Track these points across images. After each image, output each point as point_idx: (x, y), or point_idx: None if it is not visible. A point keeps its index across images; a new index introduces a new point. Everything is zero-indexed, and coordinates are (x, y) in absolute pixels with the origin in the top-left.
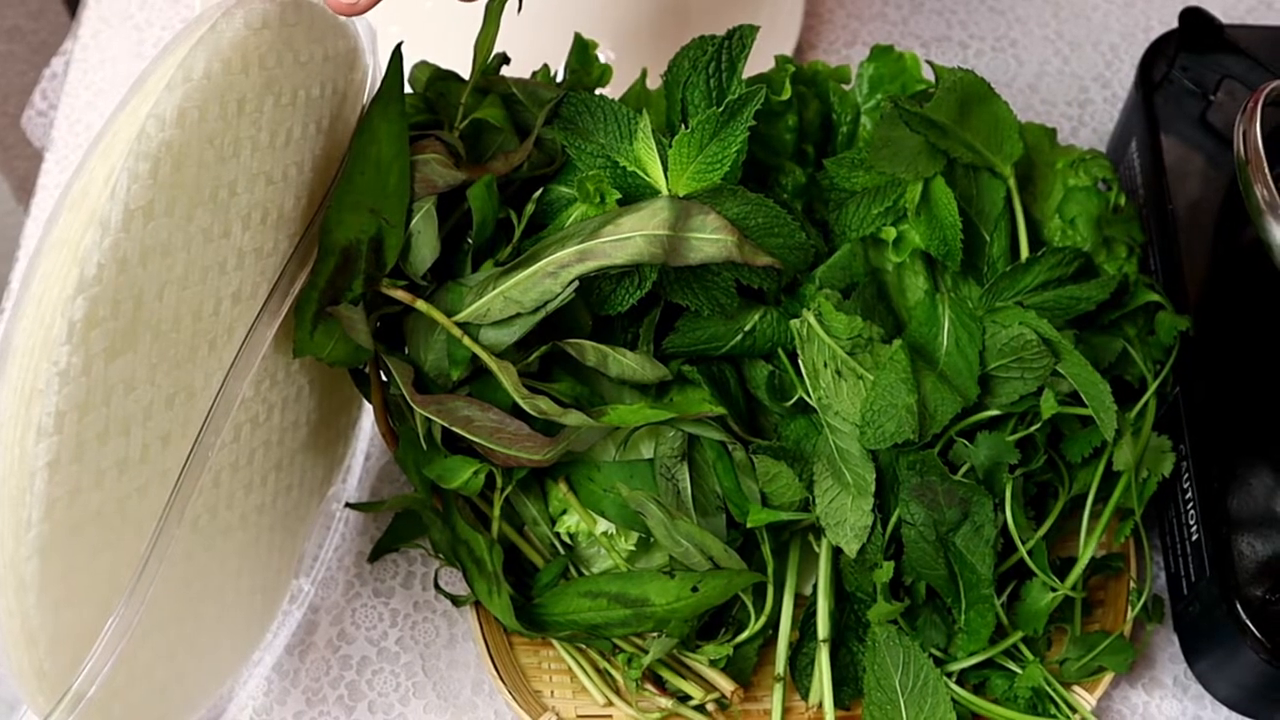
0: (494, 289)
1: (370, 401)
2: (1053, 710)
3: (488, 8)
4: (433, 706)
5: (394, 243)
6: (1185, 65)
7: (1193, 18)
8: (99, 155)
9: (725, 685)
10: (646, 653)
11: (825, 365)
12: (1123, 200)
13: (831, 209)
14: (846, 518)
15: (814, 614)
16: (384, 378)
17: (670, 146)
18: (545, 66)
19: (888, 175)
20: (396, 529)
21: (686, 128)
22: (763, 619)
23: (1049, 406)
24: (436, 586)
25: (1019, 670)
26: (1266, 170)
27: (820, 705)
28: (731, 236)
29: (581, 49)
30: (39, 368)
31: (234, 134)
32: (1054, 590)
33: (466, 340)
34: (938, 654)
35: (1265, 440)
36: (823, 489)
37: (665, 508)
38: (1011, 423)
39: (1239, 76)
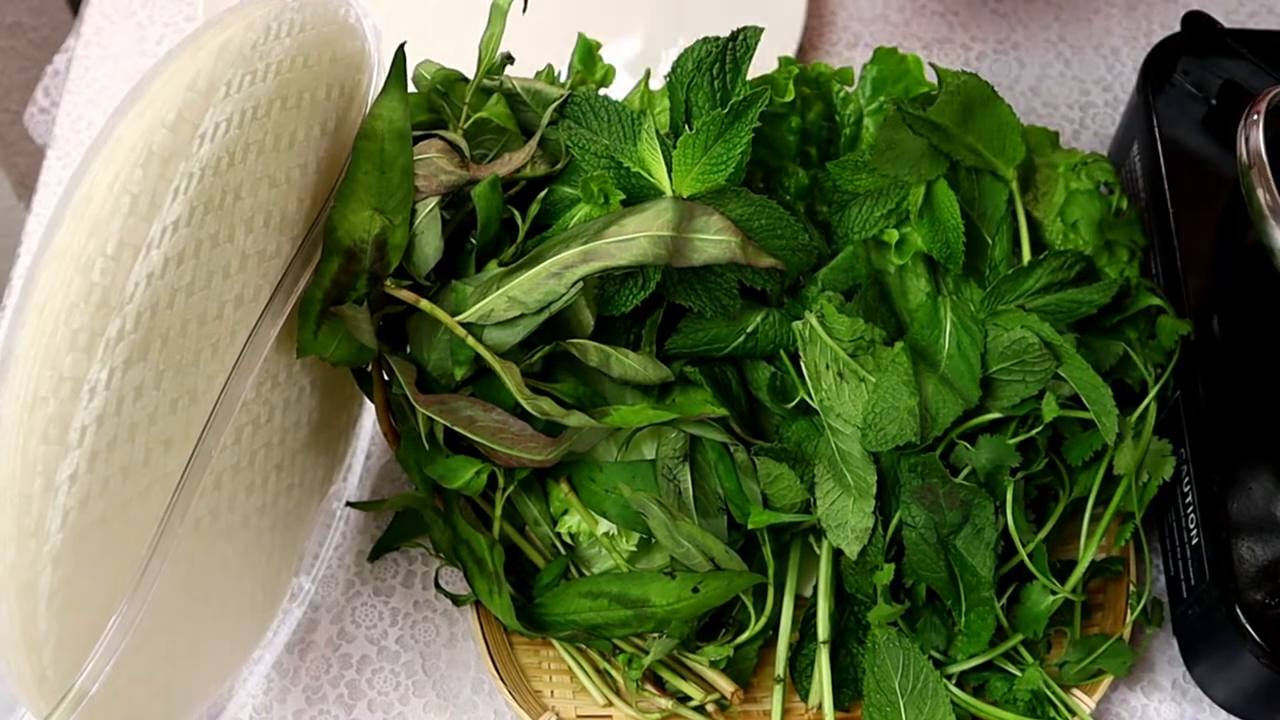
0: (498, 289)
1: (373, 401)
2: (1052, 713)
3: (493, 7)
4: (432, 705)
5: (398, 242)
6: (1187, 69)
7: (1195, 21)
8: (102, 161)
9: (725, 686)
10: (647, 653)
11: (827, 367)
12: (1124, 204)
13: (834, 211)
14: (848, 520)
15: (814, 615)
16: (386, 377)
17: (674, 147)
18: (549, 66)
19: (890, 178)
20: (397, 528)
21: (690, 129)
22: (763, 620)
23: (1050, 410)
24: (437, 586)
25: (1018, 673)
26: (1269, 174)
27: (820, 707)
28: (735, 238)
29: (585, 49)
30: (42, 375)
31: (243, 140)
32: (1054, 593)
33: (470, 340)
34: (937, 656)
35: (1266, 444)
36: (824, 491)
37: (667, 508)
38: (1012, 426)
39: (1241, 80)
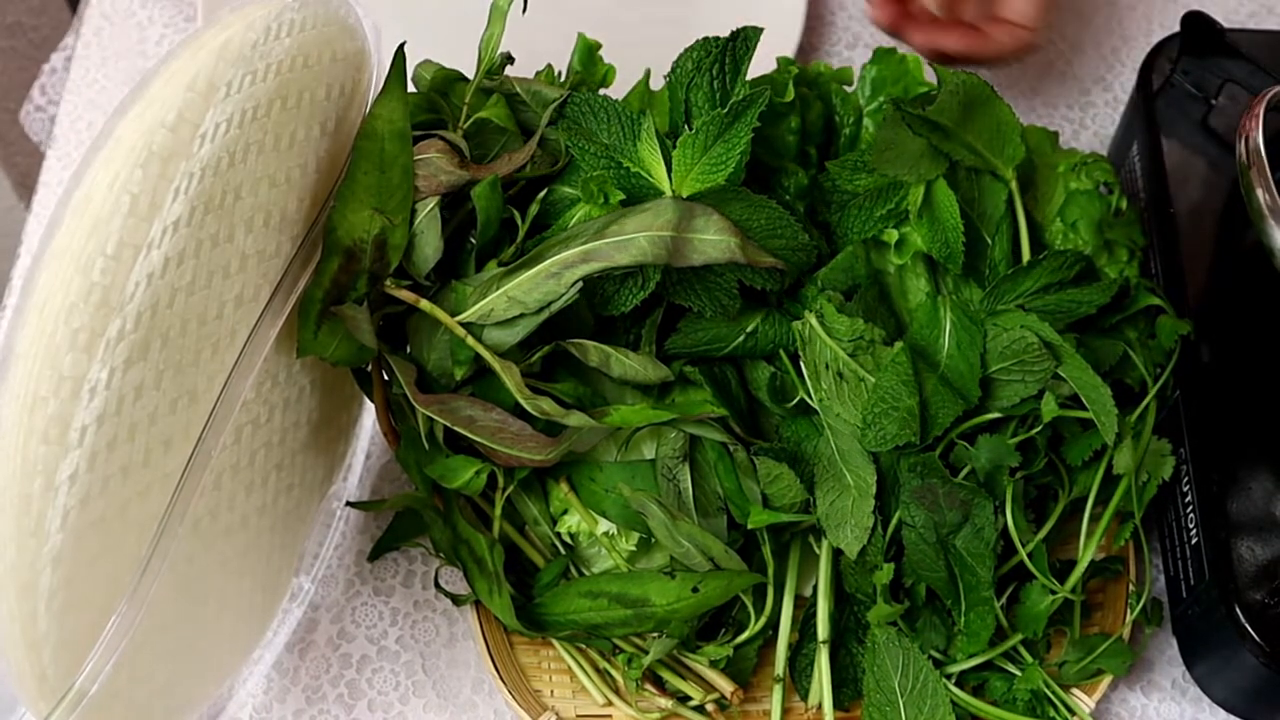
0: (497, 289)
1: (373, 401)
2: (1051, 712)
3: (492, 8)
4: (432, 705)
5: (397, 242)
6: (1187, 69)
7: (1194, 22)
8: (101, 162)
9: (725, 686)
10: (646, 653)
11: (827, 367)
12: (1124, 204)
13: (834, 211)
14: (847, 519)
15: (814, 615)
16: (386, 377)
17: (674, 148)
18: (549, 67)
19: (890, 178)
20: (397, 528)
21: (690, 129)
22: (762, 620)
23: (1050, 410)
24: (437, 586)
25: (1018, 672)
26: (1268, 174)
27: (820, 707)
28: (734, 238)
29: (585, 49)
30: (42, 375)
31: (244, 140)
32: (1053, 593)
33: (470, 340)
34: (937, 656)
35: (1265, 444)
36: (824, 491)
37: (666, 508)
38: (1012, 425)
39: (1240, 81)
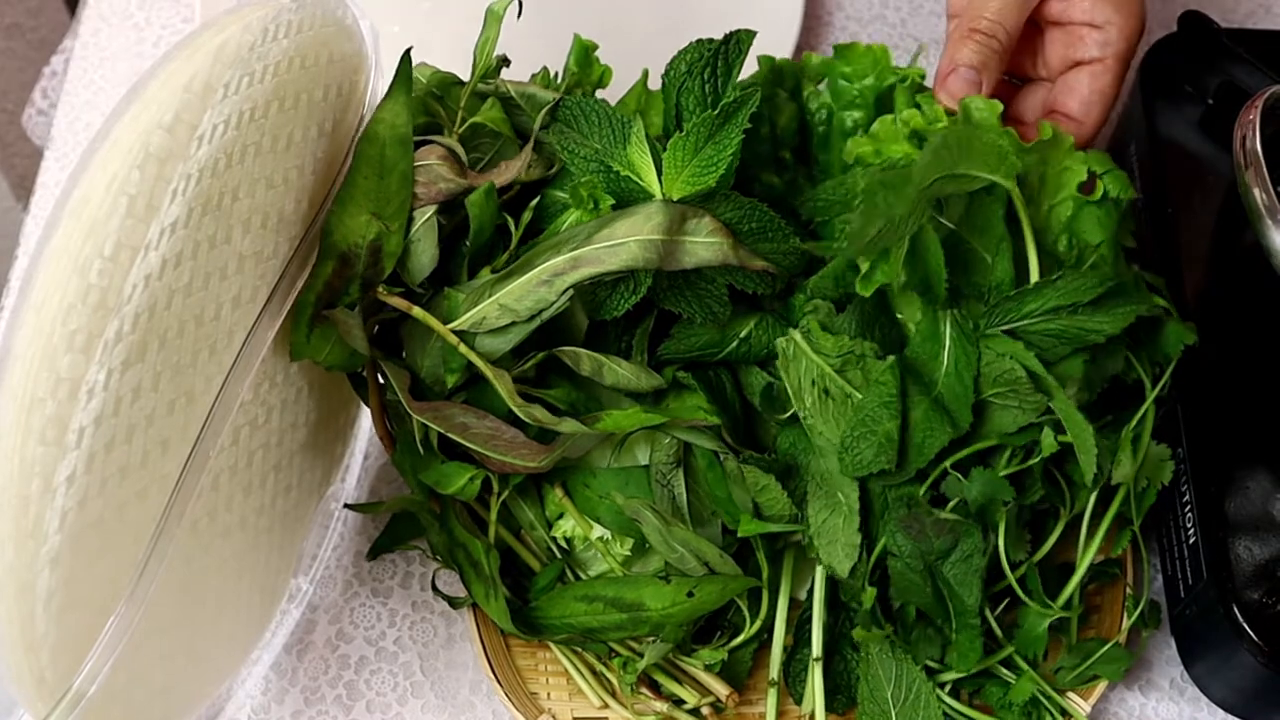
0: (489, 296)
1: (368, 405)
2: (1047, 718)
3: (487, 12)
4: (430, 706)
5: (392, 248)
6: (1184, 69)
7: (1192, 21)
8: (99, 163)
9: (720, 689)
10: (642, 656)
11: (813, 384)
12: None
13: (819, 223)
14: (838, 538)
15: (809, 619)
16: (382, 381)
17: (665, 150)
18: (544, 69)
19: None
20: (394, 530)
21: (681, 132)
22: (757, 624)
23: (1049, 445)
24: (434, 588)
25: (1014, 679)
26: (1266, 174)
27: (812, 716)
28: (727, 240)
29: (581, 50)
30: (40, 376)
31: (241, 141)
32: (1049, 614)
33: (462, 348)
34: (933, 665)
35: (1263, 444)
36: (816, 507)
37: (661, 514)
38: (1007, 453)
39: (1238, 80)
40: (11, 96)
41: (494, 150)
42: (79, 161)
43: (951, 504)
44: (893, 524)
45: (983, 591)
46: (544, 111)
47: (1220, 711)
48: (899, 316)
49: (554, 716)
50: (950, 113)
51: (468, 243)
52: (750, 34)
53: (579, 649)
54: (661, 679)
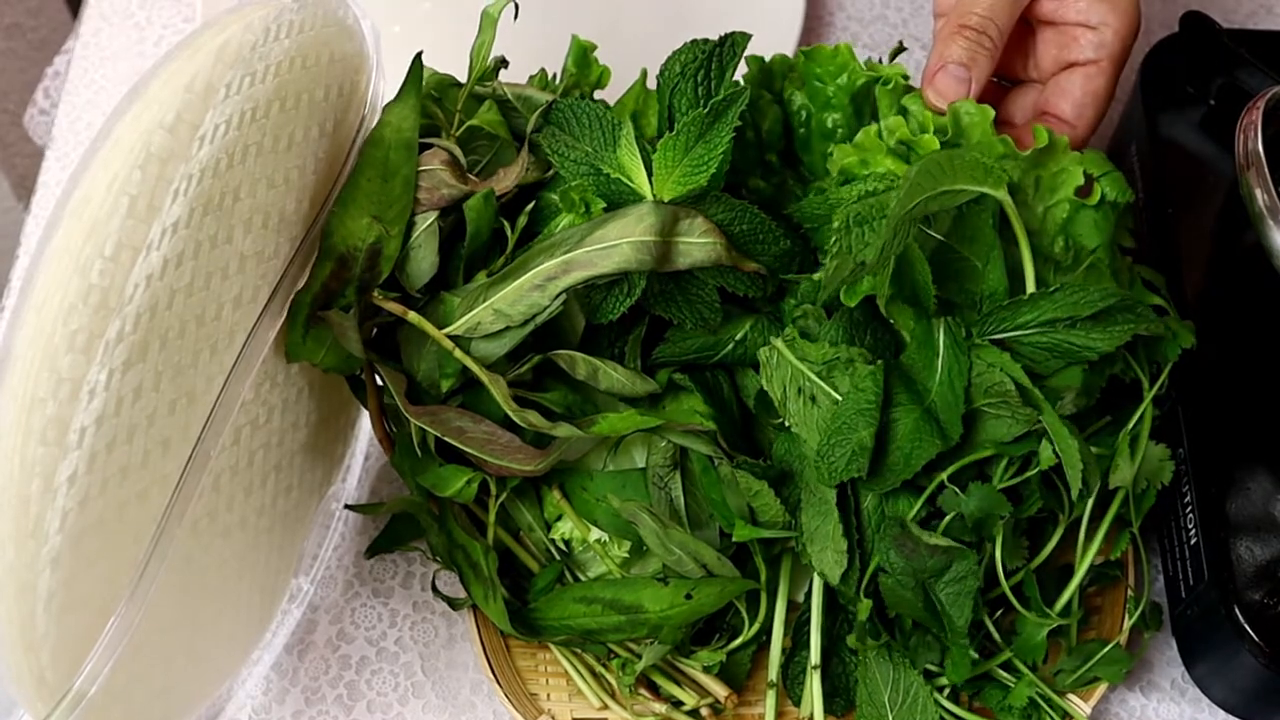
0: (484, 301)
1: (367, 407)
2: (1048, 719)
3: (483, 15)
4: (431, 706)
5: (391, 252)
6: (1185, 69)
7: (1193, 22)
8: (100, 163)
9: (719, 691)
10: (640, 658)
11: (799, 391)
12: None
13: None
14: (828, 545)
15: (808, 621)
16: (380, 383)
17: (655, 151)
18: (542, 70)
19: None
20: (394, 530)
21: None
22: (755, 626)
23: (1047, 458)
24: (435, 589)
25: (1013, 681)
26: (1267, 175)
27: (810, 718)
28: (720, 240)
29: (580, 51)
30: (40, 376)
31: (242, 141)
32: (1047, 622)
33: (458, 353)
34: (932, 669)
35: (1264, 445)
36: (809, 515)
37: (658, 517)
38: (1002, 464)
39: (1239, 81)
40: (13, 96)
41: (491, 153)
42: (80, 161)
43: (948, 519)
44: (886, 541)
45: (978, 604)
46: (537, 114)
47: (1221, 712)
48: (898, 321)
49: (553, 717)
50: (939, 113)
51: (464, 246)
52: (746, 36)
53: (578, 650)
54: (660, 680)
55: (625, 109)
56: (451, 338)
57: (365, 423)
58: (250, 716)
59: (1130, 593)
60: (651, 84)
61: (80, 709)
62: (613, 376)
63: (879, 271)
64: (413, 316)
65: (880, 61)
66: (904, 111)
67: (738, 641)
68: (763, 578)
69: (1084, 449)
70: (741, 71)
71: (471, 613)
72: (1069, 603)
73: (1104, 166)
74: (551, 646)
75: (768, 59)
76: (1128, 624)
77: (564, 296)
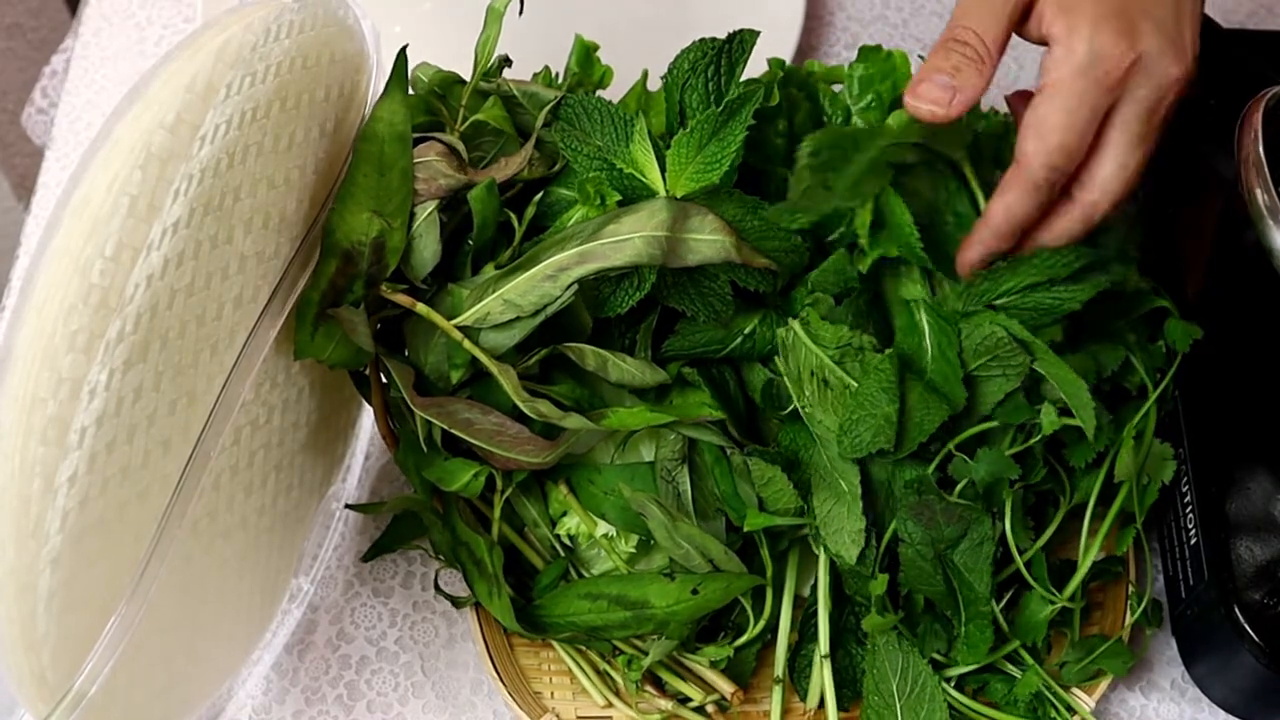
0: (493, 292)
1: (371, 404)
2: (1052, 713)
3: (488, 10)
4: (431, 706)
5: (395, 245)
6: None
7: None
8: (99, 163)
9: (725, 687)
10: (646, 654)
11: (812, 374)
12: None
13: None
14: (844, 525)
15: (814, 615)
16: (384, 379)
17: (668, 148)
18: (546, 68)
19: (830, 208)
20: (396, 530)
21: (685, 129)
22: (761, 623)
23: (1050, 423)
24: (437, 588)
25: (1019, 674)
26: (1268, 175)
27: (818, 706)
28: (730, 237)
29: (583, 50)
30: (41, 377)
31: (243, 141)
32: (1053, 602)
33: (466, 344)
34: (939, 658)
35: (1264, 445)
36: (820, 498)
37: (666, 509)
38: (1010, 434)
39: (1239, 81)
40: (12, 96)
41: (496, 148)
42: (80, 161)
43: (959, 486)
44: (903, 511)
45: (991, 583)
46: (546, 109)
47: (1221, 712)
48: (894, 310)
49: (558, 716)
50: (921, 120)
51: (471, 239)
52: (754, 33)
53: (582, 648)
54: (666, 676)
55: (628, 109)
56: (460, 329)
57: (365, 422)
58: (250, 716)
59: (1132, 588)
60: (653, 84)
61: (81, 709)
62: (623, 368)
63: (860, 209)
64: (421, 308)
65: None
66: None
67: (744, 639)
68: (769, 573)
69: (1086, 389)
70: (761, 70)
71: (474, 611)
72: (1075, 590)
73: None
74: (555, 645)
75: (800, 65)
76: (1130, 619)
77: (575, 287)
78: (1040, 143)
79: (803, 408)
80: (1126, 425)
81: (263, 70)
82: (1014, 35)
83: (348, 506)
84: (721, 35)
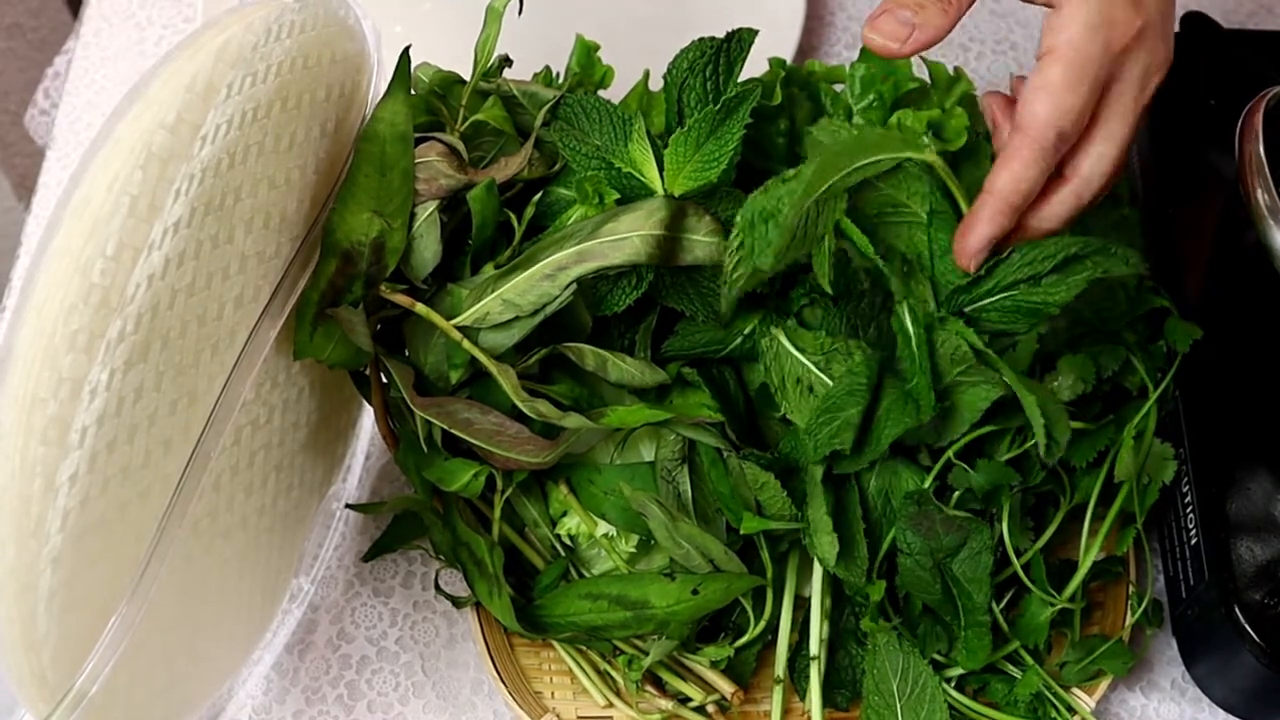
0: (493, 292)
1: (371, 404)
2: (1053, 713)
3: (488, 10)
4: (432, 706)
5: (395, 245)
6: (1186, 70)
7: (1194, 22)
8: (100, 163)
9: (725, 687)
10: (647, 654)
11: (798, 382)
12: (1125, 211)
13: None
14: (823, 528)
15: None
16: (384, 379)
17: (666, 147)
18: (546, 68)
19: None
20: (396, 530)
21: (683, 128)
22: (761, 624)
23: (1041, 432)
24: (437, 588)
25: (1019, 674)
26: (1268, 175)
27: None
28: (725, 238)
29: (583, 50)
30: (42, 376)
31: (244, 141)
32: (1052, 604)
33: (466, 344)
34: (939, 659)
35: (1265, 445)
36: (814, 506)
37: (667, 509)
38: (1008, 437)
39: (1240, 81)
40: (13, 96)
41: (496, 148)
42: (81, 161)
43: (956, 494)
44: (902, 520)
45: (990, 587)
46: (545, 109)
47: (1221, 712)
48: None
49: (558, 716)
50: (877, 53)
51: (470, 240)
52: (752, 32)
53: (583, 648)
54: (666, 676)
55: (629, 109)
56: (460, 328)
57: (366, 422)
58: (251, 716)
59: (1132, 588)
60: (654, 84)
61: (81, 708)
62: (622, 367)
63: (816, 253)
64: (421, 308)
65: None
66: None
67: (744, 639)
68: (769, 574)
69: (1047, 401)
70: (761, 71)
71: (474, 611)
72: (1075, 591)
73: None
74: (555, 644)
75: (800, 65)
76: (1131, 619)
77: (574, 286)
78: (1051, 105)
79: (789, 414)
80: (1127, 425)
81: (263, 70)
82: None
83: (348, 506)
84: (721, 34)
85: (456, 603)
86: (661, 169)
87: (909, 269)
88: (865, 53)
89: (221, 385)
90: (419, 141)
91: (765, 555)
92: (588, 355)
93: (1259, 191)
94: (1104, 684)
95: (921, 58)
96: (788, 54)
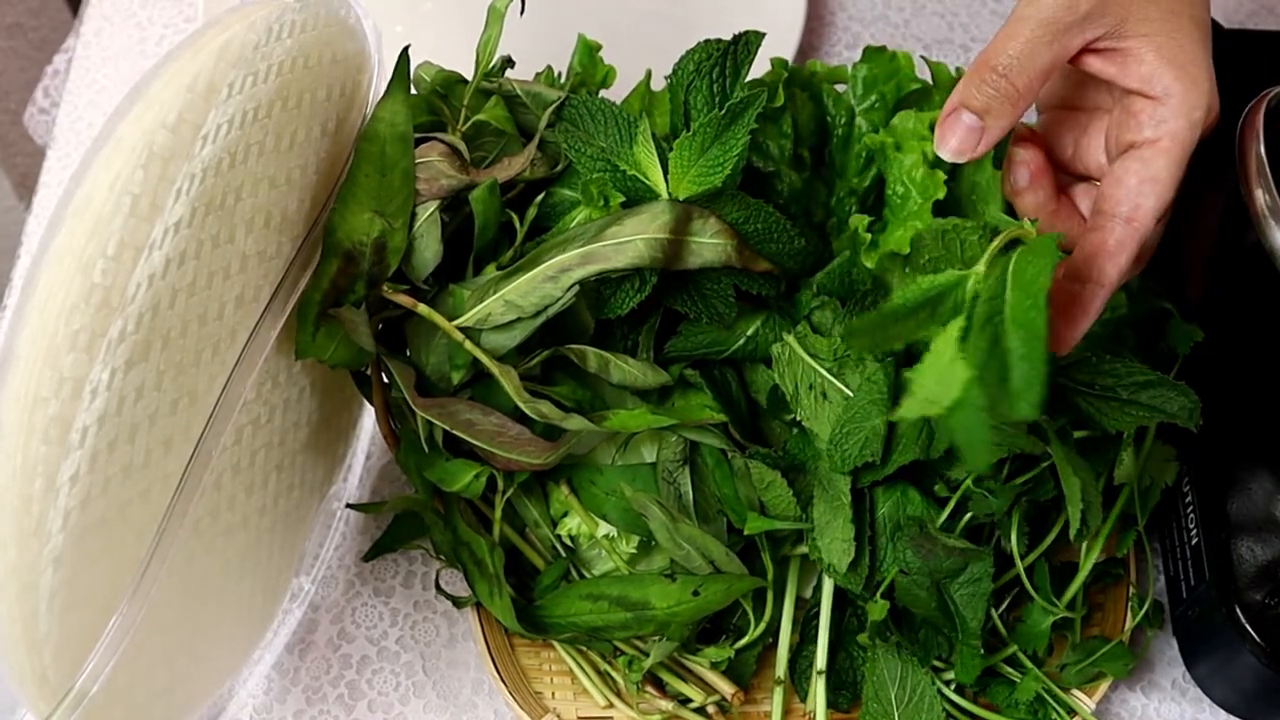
0: (495, 293)
1: (372, 404)
2: (1053, 715)
3: (490, 10)
4: (432, 706)
5: (397, 245)
6: None
7: None
8: (101, 162)
9: (726, 688)
10: (647, 655)
11: (811, 387)
12: None
13: (833, 225)
14: (837, 535)
15: (815, 617)
16: (386, 379)
17: (672, 149)
18: (549, 68)
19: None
20: (397, 530)
21: (688, 131)
22: (762, 625)
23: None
24: (438, 588)
25: (1019, 677)
26: (1269, 176)
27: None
28: (731, 241)
29: (586, 50)
30: (43, 376)
31: (245, 141)
32: (1054, 612)
33: (468, 345)
34: (940, 664)
35: (1265, 445)
36: (820, 509)
37: (668, 510)
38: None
39: (1240, 82)
40: (14, 96)
41: (498, 148)
42: (82, 161)
43: (965, 519)
44: (903, 541)
45: (988, 604)
46: (549, 109)
47: (1222, 712)
48: None
49: (559, 716)
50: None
51: (473, 240)
52: (759, 35)
53: (583, 648)
54: (667, 677)
55: (631, 109)
56: (462, 329)
57: (366, 422)
58: (251, 716)
59: (1133, 590)
60: (656, 84)
61: (82, 708)
62: (625, 369)
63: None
64: (423, 309)
65: None
66: None
67: (744, 641)
68: (770, 575)
69: (1089, 487)
70: (762, 71)
71: (475, 611)
72: (1074, 597)
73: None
74: (556, 645)
75: (802, 65)
76: (1132, 621)
77: (576, 288)
78: (1158, 200)
79: (802, 420)
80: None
81: (264, 70)
82: (1076, 65)
83: (349, 506)
84: (723, 34)
85: (457, 603)
86: (666, 172)
87: None
88: (867, 53)
89: (222, 385)
90: (420, 141)
91: (766, 557)
92: (590, 357)
93: (1260, 192)
94: (1104, 685)
95: (924, 58)
96: (789, 54)
